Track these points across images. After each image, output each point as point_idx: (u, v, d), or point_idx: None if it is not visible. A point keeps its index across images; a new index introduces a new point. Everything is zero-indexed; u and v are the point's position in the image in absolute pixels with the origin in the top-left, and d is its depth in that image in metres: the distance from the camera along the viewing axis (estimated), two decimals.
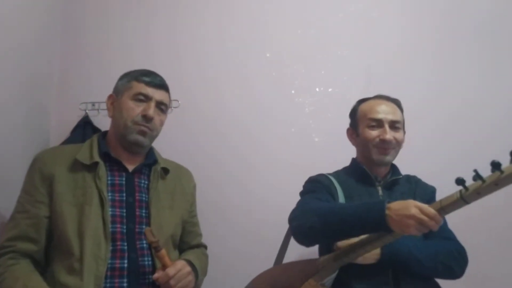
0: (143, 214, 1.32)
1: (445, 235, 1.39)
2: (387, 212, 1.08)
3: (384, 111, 1.43)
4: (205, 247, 1.58)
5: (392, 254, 1.27)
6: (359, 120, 1.48)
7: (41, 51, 1.95)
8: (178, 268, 1.24)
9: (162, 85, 1.40)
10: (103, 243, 1.21)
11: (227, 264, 1.89)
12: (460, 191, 0.96)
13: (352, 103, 1.60)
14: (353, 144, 1.54)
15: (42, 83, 1.99)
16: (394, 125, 1.43)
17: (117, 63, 2.12)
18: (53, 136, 2.06)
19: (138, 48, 2.14)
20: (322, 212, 1.25)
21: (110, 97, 1.41)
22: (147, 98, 1.35)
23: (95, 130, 2.02)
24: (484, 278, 1.82)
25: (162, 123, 1.41)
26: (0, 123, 1.59)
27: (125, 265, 1.22)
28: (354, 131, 1.52)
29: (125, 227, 1.27)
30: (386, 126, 1.41)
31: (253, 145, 2.06)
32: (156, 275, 1.22)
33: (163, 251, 1.23)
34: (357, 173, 1.48)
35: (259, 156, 2.05)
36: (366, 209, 1.15)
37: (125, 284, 1.21)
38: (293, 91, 2.09)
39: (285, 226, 1.47)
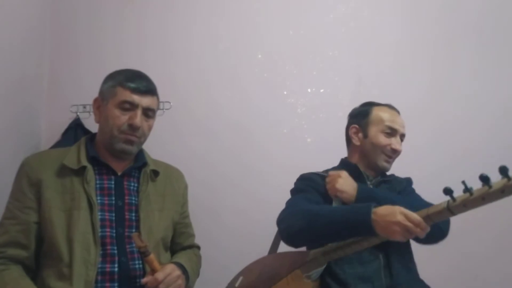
0: (133, 218, 1.31)
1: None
2: (373, 217, 1.10)
3: (400, 124, 1.50)
4: (198, 247, 1.57)
5: (367, 193, 1.34)
6: (373, 123, 1.49)
7: (30, 53, 1.93)
8: (167, 272, 1.23)
9: (148, 91, 1.33)
10: (92, 247, 1.20)
11: (220, 265, 1.89)
12: (448, 201, 0.96)
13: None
14: (355, 142, 1.53)
15: (32, 85, 1.97)
16: (402, 138, 1.51)
17: (109, 65, 2.08)
18: (44, 139, 2.04)
19: (129, 49, 2.13)
20: (310, 215, 1.26)
21: (95, 101, 1.37)
22: (133, 106, 1.30)
23: (87, 132, 2.00)
24: (479, 279, 1.85)
25: (150, 128, 1.38)
26: None
27: (116, 269, 1.21)
28: (361, 131, 1.52)
29: (114, 231, 1.26)
30: (398, 138, 1.48)
31: (246, 146, 2.06)
32: (145, 279, 1.21)
33: (152, 256, 1.23)
34: (349, 171, 1.48)
35: (252, 157, 2.05)
36: (352, 214, 1.17)
37: None
38: (285, 92, 2.10)
39: None
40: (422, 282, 1.39)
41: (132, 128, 1.29)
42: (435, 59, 2.08)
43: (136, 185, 1.36)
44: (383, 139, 1.46)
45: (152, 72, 2.10)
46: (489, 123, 2.04)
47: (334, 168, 1.56)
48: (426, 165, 1.98)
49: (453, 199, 0.94)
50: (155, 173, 1.42)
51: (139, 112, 1.30)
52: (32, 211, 1.23)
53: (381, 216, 1.09)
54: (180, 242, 1.49)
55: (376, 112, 1.51)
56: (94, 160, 1.31)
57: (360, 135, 1.52)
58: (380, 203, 1.22)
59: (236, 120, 2.07)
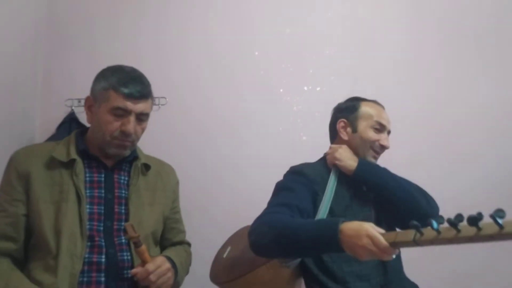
0: (122, 211, 1.30)
1: None
2: (339, 236, 1.02)
3: (387, 120, 1.51)
4: (189, 244, 1.56)
5: (368, 166, 1.39)
6: (362, 118, 1.49)
7: (25, 47, 1.92)
8: (157, 264, 1.24)
9: (142, 96, 1.29)
10: (79, 240, 1.20)
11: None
12: (415, 233, 0.90)
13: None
14: (343, 136, 1.52)
15: (27, 79, 1.96)
16: (388, 134, 1.51)
17: (103, 60, 2.07)
18: (38, 133, 2.03)
19: (124, 44, 2.12)
20: (278, 229, 1.17)
21: (87, 100, 1.33)
22: (126, 112, 1.27)
23: (81, 126, 1.99)
24: (468, 277, 1.87)
25: (143, 130, 1.35)
26: None
27: (103, 259, 1.21)
28: (349, 125, 1.52)
29: (102, 224, 1.26)
30: (386, 134, 1.49)
31: (241, 143, 2.06)
32: (134, 270, 1.21)
33: (143, 247, 1.23)
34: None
35: (247, 154, 2.05)
36: (319, 232, 1.09)
37: (102, 279, 1.20)
38: (281, 90, 2.10)
39: None
40: (409, 279, 1.41)
41: (125, 134, 1.27)
42: (430, 59, 2.09)
43: (126, 178, 1.35)
44: (372, 134, 1.46)
45: (147, 67, 2.09)
46: (487, 125, 2.06)
47: (319, 162, 1.55)
48: (421, 164, 1.99)
49: (421, 233, 0.89)
50: (146, 167, 1.41)
51: (132, 118, 1.27)
52: (21, 204, 1.23)
53: (347, 237, 1.01)
54: (169, 238, 1.48)
55: (365, 107, 1.51)
56: (84, 154, 1.30)
57: (349, 129, 1.51)
58: (380, 179, 1.31)
59: (231, 117, 2.07)
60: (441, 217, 0.88)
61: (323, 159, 1.54)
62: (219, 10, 2.14)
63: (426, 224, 0.88)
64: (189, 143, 2.06)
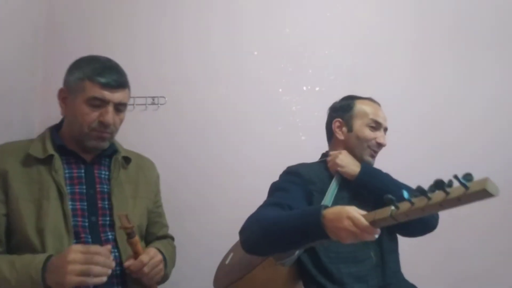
0: (106, 206, 1.27)
1: None
2: (322, 221, 1.04)
3: (383, 118, 1.49)
4: (172, 238, 1.53)
5: (371, 171, 1.39)
6: (357, 117, 1.49)
7: (24, 48, 1.92)
8: (151, 255, 1.22)
9: (119, 85, 1.25)
10: (65, 238, 1.17)
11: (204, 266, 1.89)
12: (391, 209, 0.92)
13: None
14: (339, 136, 1.52)
15: (26, 79, 1.95)
16: (385, 132, 1.50)
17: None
18: (37, 133, 2.01)
19: (122, 42, 2.11)
20: (265, 225, 1.18)
21: (61, 92, 1.28)
22: (103, 102, 1.22)
23: None
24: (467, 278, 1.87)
25: (122, 121, 1.31)
26: None
27: None
28: (345, 125, 1.51)
29: (87, 220, 1.22)
30: (383, 132, 1.48)
31: (240, 143, 2.05)
32: (127, 263, 1.19)
33: (136, 238, 1.21)
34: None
35: (245, 154, 2.04)
36: (303, 219, 1.10)
37: None
38: (280, 90, 2.09)
39: None
40: (407, 281, 1.40)
41: (104, 125, 1.23)
42: (432, 58, 2.09)
43: (107, 173, 1.32)
44: (368, 133, 1.45)
45: (147, 67, 2.12)
46: (495, 125, 2.06)
47: (316, 162, 1.57)
48: (415, 155, 1.99)
49: (397, 207, 0.91)
50: (127, 160, 1.37)
51: (110, 108, 1.23)
52: (0, 204, 1.18)
53: (329, 221, 1.02)
54: (153, 232, 1.46)
55: (360, 106, 1.50)
56: (61, 149, 1.26)
57: (344, 129, 1.50)
58: (382, 183, 1.30)
59: (230, 117, 2.06)
60: (413, 189, 0.90)
61: (323, 161, 1.53)
62: (217, 9, 2.13)
63: (400, 198, 0.91)
64: (186, 143, 2.05)
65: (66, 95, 1.26)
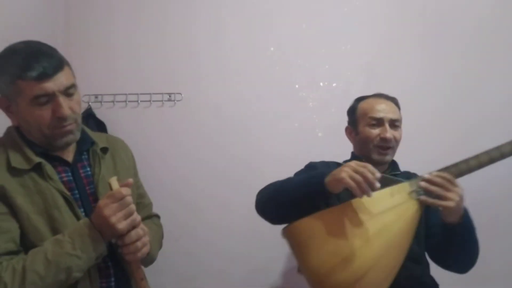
0: None
1: None
2: (325, 180, 1.13)
3: (384, 110, 1.43)
4: (157, 216, 1.44)
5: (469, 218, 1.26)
6: (359, 119, 1.47)
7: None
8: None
9: (55, 69, 1.05)
10: None
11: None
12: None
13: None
14: (352, 142, 1.53)
15: None
16: (394, 124, 1.43)
17: (120, 54, 2.12)
18: None
19: (141, 39, 2.13)
20: (276, 185, 1.32)
21: (0, 102, 1.09)
22: (50, 96, 1.05)
23: (98, 122, 2.02)
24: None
25: (79, 103, 1.14)
26: None
27: (109, 264, 1.13)
28: (353, 129, 1.50)
29: None
30: (387, 125, 1.41)
31: (256, 140, 2.05)
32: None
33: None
34: None
35: (262, 150, 2.04)
36: (307, 181, 1.21)
37: (112, 284, 1.14)
38: (296, 86, 2.08)
39: None
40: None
41: (63, 119, 1.07)
42: (448, 54, 2.05)
43: (89, 169, 1.19)
44: (370, 132, 1.41)
45: (164, 64, 2.12)
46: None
47: (346, 161, 1.55)
48: (431, 151, 1.95)
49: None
50: (104, 150, 1.24)
51: (59, 99, 1.06)
52: (10, 216, 1.04)
53: (331, 176, 1.12)
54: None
55: (361, 106, 1.48)
56: (42, 155, 1.11)
57: (353, 134, 1.50)
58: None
59: (246, 114, 2.06)
60: None
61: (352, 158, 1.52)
62: (234, 5, 2.13)
63: None
64: (202, 139, 2.06)
65: (7, 103, 1.09)
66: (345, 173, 1.07)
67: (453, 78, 2.04)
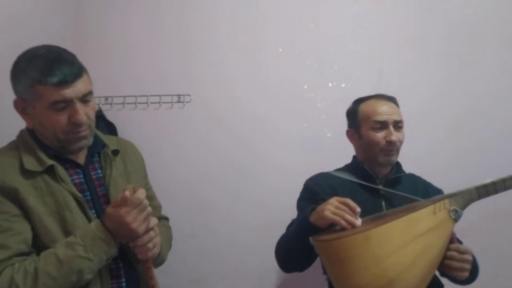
0: None
1: None
2: (310, 216, 1.20)
3: (387, 112, 1.41)
4: (166, 219, 1.46)
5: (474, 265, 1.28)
6: (361, 122, 1.46)
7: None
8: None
9: (75, 76, 1.07)
10: None
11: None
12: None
13: None
14: (354, 145, 1.52)
15: None
16: (397, 125, 1.42)
17: (131, 56, 2.15)
18: None
19: (150, 41, 2.15)
20: (281, 245, 1.38)
21: (17, 104, 1.12)
22: (67, 103, 1.07)
23: (108, 124, 2.04)
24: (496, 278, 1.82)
25: (94, 110, 1.16)
26: (10, 118, 1.54)
27: (120, 264, 1.16)
28: (355, 133, 1.49)
29: None
30: (391, 128, 1.40)
31: (265, 140, 2.06)
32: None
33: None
34: (358, 172, 1.47)
35: (271, 151, 2.05)
36: (298, 226, 1.27)
37: (123, 284, 1.15)
38: (305, 86, 2.08)
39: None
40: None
41: (78, 125, 1.10)
42: (459, 53, 2.03)
43: (100, 172, 1.22)
44: (375, 136, 1.40)
45: (173, 65, 2.14)
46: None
47: (347, 166, 1.55)
48: (444, 156, 1.94)
49: None
50: (115, 152, 1.27)
51: (77, 105, 1.08)
52: (23, 218, 1.06)
53: (315, 212, 1.19)
54: None
55: (362, 109, 1.47)
56: (54, 157, 1.14)
57: (355, 137, 1.49)
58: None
59: (255, 114, 2.07)
60: None
61: (353, 162, 1.54)
62: (242, 6, 2.13)
63: None
64: (212, 140, 2.07)
65: (23, 105, 1.11)
66: (327, 211, 1.14)
67: (467, 78, 2.01)
